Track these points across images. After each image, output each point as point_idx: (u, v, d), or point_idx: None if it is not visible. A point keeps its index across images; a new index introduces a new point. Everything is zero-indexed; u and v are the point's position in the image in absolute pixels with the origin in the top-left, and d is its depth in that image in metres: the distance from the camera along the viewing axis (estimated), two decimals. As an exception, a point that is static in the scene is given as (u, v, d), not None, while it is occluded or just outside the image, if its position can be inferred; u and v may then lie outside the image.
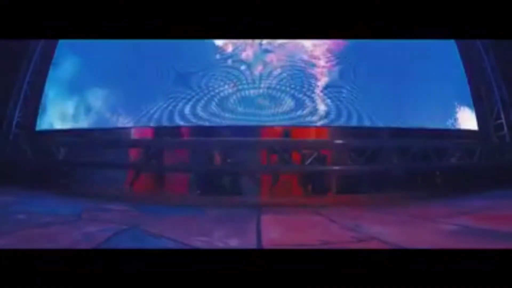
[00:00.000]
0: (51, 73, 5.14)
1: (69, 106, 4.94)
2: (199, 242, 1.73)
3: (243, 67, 4.60)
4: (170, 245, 1.68)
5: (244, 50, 4.63)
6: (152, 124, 5.12)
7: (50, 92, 5.12)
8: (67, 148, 4.87)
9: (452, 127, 4.70)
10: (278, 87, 4.56)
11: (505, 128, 4.78)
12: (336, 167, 4.90)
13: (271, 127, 4.83)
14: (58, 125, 5.00)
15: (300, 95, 4.58)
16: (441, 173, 5.70)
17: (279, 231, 2.18)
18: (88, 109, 4.85)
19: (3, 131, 5.00)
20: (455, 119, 4.67)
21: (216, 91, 4.63)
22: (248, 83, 4.55)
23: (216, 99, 4.66)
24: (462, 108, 4.73)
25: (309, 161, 6.37)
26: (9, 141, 5.00)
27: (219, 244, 1.72)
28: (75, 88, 4.93)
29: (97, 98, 4.85)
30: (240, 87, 4.56)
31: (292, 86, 4.58)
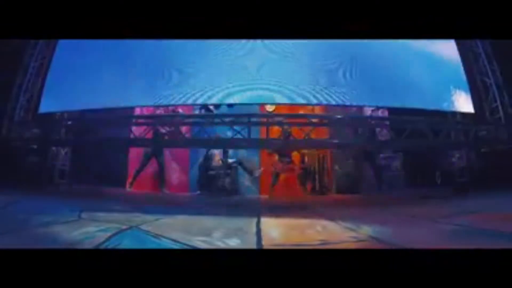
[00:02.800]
0: (56, 56, 5.15)
1: (72, 89, 4.93)
2: (199, 242, 1.73)
3: (243, 65, 4.57)
4: (170, 245, 1.68)
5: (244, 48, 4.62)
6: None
7: (55, 75, 5.13)
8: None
9: (448, 109, 4.76)
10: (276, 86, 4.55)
11: (501, 111, 4.88)
12: (335, 141, 4.91)
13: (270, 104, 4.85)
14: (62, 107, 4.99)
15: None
16: (442, 172, 5.72)
17: (279, 231, 2.18)
18: (91, 92, 4.82)
19: (7, 113, 5.08)
20: (451, 102, 4.71)
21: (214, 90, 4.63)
22: (248, 82, 4.52)
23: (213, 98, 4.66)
24: (457, 91, 4.78)
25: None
26: (13, 123, 5.06)
27: (219, 244, 1.72)
28: (79, 71, 4.91)
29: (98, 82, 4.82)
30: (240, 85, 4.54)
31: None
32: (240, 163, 6.32)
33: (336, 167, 6.66)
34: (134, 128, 5.01)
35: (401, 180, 6.21)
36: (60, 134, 5.16)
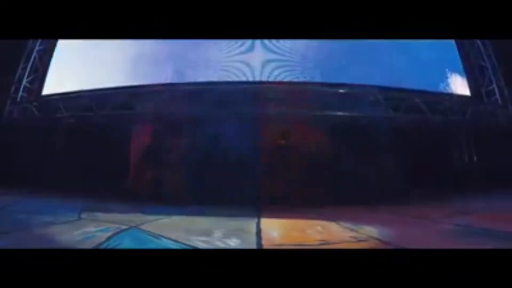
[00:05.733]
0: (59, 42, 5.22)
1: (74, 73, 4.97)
2: (199, 242, 1.73)
3: (244, 63, 4.61)
4: (170, 245, 1.68)
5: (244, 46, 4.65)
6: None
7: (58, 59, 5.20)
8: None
9: (445, 91, 4.80)
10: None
11: (497, 93, 4.95)
12: (338, 113, 4.93)
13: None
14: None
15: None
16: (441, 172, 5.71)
17: (279, 231, 2.18)
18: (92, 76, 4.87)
19: (11, 95, 5.18)
20: (448, 84, 4.76)
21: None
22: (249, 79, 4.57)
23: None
24: (454, 74, 4.82)
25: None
26: (16, 103, 5.15)
27: (219, 244, 1.72)
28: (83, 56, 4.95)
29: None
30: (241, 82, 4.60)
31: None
32: (239, 162, 6.30)
33: (336, 167, 6.64)
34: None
35: (401, 180, 6.20)
36: (62, 114, 5.20)
